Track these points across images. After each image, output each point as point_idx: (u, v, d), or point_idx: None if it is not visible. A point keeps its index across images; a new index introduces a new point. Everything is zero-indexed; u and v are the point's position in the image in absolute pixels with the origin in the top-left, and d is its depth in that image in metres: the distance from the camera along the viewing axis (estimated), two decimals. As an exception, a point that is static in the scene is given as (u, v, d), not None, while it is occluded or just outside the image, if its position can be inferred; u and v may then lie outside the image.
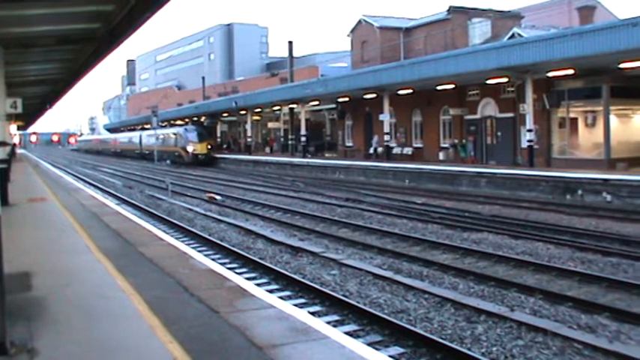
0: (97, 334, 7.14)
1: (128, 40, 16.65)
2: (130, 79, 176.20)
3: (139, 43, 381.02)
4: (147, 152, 77.31)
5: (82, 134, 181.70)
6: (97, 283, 9.53)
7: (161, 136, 72.22)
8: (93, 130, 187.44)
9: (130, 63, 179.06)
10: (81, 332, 7.23)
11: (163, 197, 29.90)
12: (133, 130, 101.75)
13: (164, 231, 17.66)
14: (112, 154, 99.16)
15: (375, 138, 50.01)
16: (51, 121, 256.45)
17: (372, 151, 48.70)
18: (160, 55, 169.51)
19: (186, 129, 67.48)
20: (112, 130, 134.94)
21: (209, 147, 65.34)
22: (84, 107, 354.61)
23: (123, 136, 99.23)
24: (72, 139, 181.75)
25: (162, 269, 10.33)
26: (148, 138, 78.30)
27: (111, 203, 23.06)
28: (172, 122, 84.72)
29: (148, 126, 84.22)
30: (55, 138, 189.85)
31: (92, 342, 6.90)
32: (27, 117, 57.52)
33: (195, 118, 77.85)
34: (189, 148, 63.93)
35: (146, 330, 7.15)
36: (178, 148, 66.46)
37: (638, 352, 8.86)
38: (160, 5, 12.64)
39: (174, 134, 69.03)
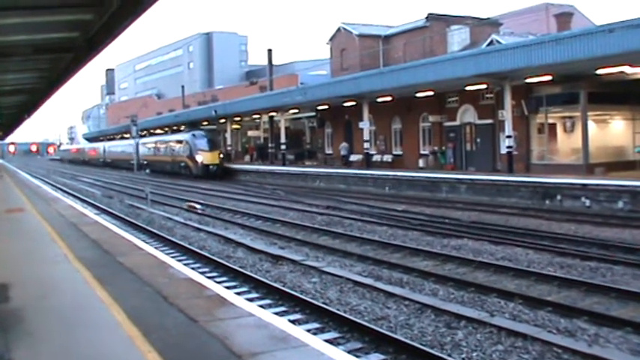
0: (75, 345, 7.09)
1: (107, 49, 16.59)
2: (109, 88, 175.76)
3: (118, 52, 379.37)
4: (145, 162, 68.93)
5: (61, 144, 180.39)
6: (75, 294, 9.46)
7: (162, 144, 65.34)
8: (72, 139, 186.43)
9: (109, 72, 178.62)
10: (59, 343, 7.18)
11: (143, 207, 29.77)
12: (113, 138, 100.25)
13: (144, 240, 17.58)
14: (102, 165, 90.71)
15: (343, 144, 50.26)
16: (29, 131, 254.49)
17: (348, 158, 48.96)
18: (139, 64, 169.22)
19: (193, 135, 58.30)
20: (91, 139, 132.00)
21: (221, 156, 56.74)
22: (63, 117, 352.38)
23: (114, 145, 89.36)
24: (51, 149, 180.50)
25: (142, 278, 10.27)
26: (146, 147, 69.77)
27: (90, 213, 22.94)
28: (152, 131, 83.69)
29: (167, 129, 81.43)
30: (33, 148, 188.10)
31: (70, 353, 6.86)
32: (4, 127, 57.25)
33: (175, 127, 77.03)
34: (199, 158, 55.20)
35: (125, 340, 7.11)
36: (184, 158, 57.83)
37: (617, 355, 8.94)
38: (138, 14, 12.60)
39: (180, 141, 60.06)
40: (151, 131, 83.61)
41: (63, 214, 20.92)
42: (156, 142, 67.63)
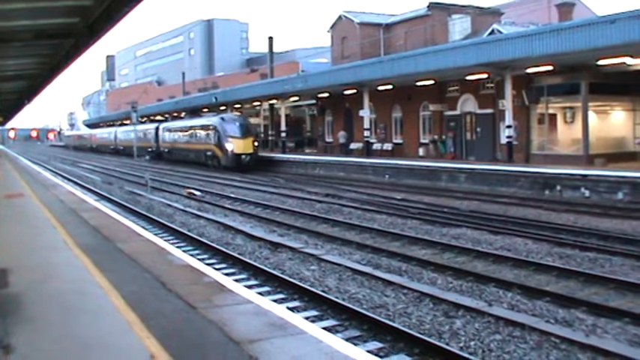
0: (74, 331, 7.09)
1: (107, 35, 16.60)
2: (110, 74, 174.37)
3: (118, 38, 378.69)
4: (165, 150, 63.63)
5: (61, 130, 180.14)
6: (74, 279, 9.46)
7: (185, 130, 57.91)
8: (72, 125, 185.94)
9: (110, 58, 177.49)
10: (58, 328, 7.18)
11: (143, 193, 29.78)
12: (112, 124, 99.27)
13: (143, 227, 17.61)
14: (112, 153, 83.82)
15: (342, 132, 50.34)
16: (29, 117, 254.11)
17: (347, 146, 49.05)
18: (139, 51, 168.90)
19: (222, 118, 50.10)
20: (91, 125, 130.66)
21: (255, 144, 48.28)
22: (63, 103, 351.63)
23: (128, 131, 78.88)
24: (51, 135, 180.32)
25: (141, 265, 10.27)
26: (167, 132, 64.02)
27: (90, 199, 22.90)
28: (152, 118, 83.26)
29: (168, 116, 79.30)
30: (33, 134, 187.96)
31: (69, 338, 6.86)
32: (5, 112, 57.20)
33: (175, 114, 76.86)
34: (229, 146, 46.90)
35: (123, 326, 7.12)
36: (212, 146, 49.65)
37: (614, 346, 8.95)
38: (138, 0, 12.59)
39: (206, 127, 51.77)
40: (151, 118, 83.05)
41: (63, 200, 20.91)
42: (179, 128, 60.56)
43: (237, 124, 48.48)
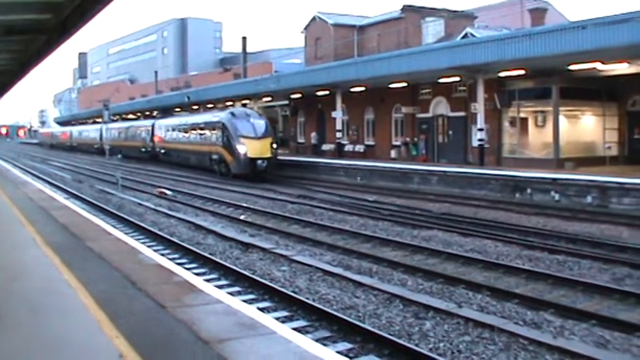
0: (42, 330, 7.04)
1: (80, 31, 16.43)
2: (82, 72, 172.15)
3: (91, 36, 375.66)
4: (162, 152, 54.81)
5: (31, 127, 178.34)
6: (43, 278, 9.39)
7: (187, 128, 48.50)
8: (43, 123, 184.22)
9: (82, 56, 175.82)
10: (26, 328, 7.13)
11: (113, 192, 29.60)
12: (85, 122, 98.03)
13: (113, 226, 17.50)
14: (97, 152, 72.56)
15: (313, 134, 50.47)
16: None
17: (319, 147, 49.27)
18: (112, 49, 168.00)
19: (232, 113, 41.10)
20: (63, 123, 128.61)
21: (274, 146, 39.69)
22: (34, 100, 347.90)
23: (116, 127, 68.65)
24: (21, 132, 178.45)
25: (110, 264, 10.21)
26: (163, 130, 54.88)
27: (59, 197, 22.74)
28: (124, 116, 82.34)
29: (140, 115, 76.36)
30: (3, 130, 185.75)
31: (38, 337, 6.81)
32: (-26, 109, 56.35)
33: (148, 113, 76.26)
34: (241, 149, 37.98)
35: (92, 325, 7.07)
36: (219, 148, 40.51)
37: (581, 348, 9.05)
38: (111, -3, 12.51)
39: (212, 124, 42.46)
40: (123, 116, 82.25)
41: (32, 197, 20.74)
42: (178, 125, 51.66)
43: (252, 120, 39.76)
